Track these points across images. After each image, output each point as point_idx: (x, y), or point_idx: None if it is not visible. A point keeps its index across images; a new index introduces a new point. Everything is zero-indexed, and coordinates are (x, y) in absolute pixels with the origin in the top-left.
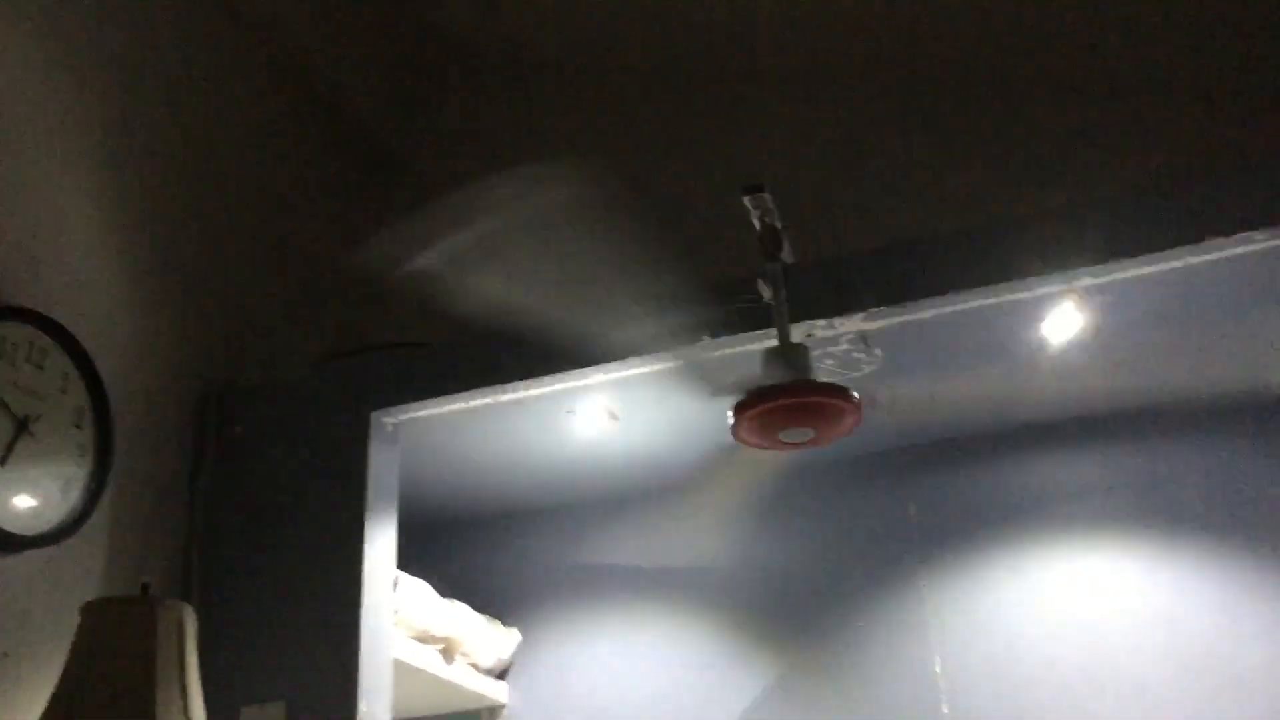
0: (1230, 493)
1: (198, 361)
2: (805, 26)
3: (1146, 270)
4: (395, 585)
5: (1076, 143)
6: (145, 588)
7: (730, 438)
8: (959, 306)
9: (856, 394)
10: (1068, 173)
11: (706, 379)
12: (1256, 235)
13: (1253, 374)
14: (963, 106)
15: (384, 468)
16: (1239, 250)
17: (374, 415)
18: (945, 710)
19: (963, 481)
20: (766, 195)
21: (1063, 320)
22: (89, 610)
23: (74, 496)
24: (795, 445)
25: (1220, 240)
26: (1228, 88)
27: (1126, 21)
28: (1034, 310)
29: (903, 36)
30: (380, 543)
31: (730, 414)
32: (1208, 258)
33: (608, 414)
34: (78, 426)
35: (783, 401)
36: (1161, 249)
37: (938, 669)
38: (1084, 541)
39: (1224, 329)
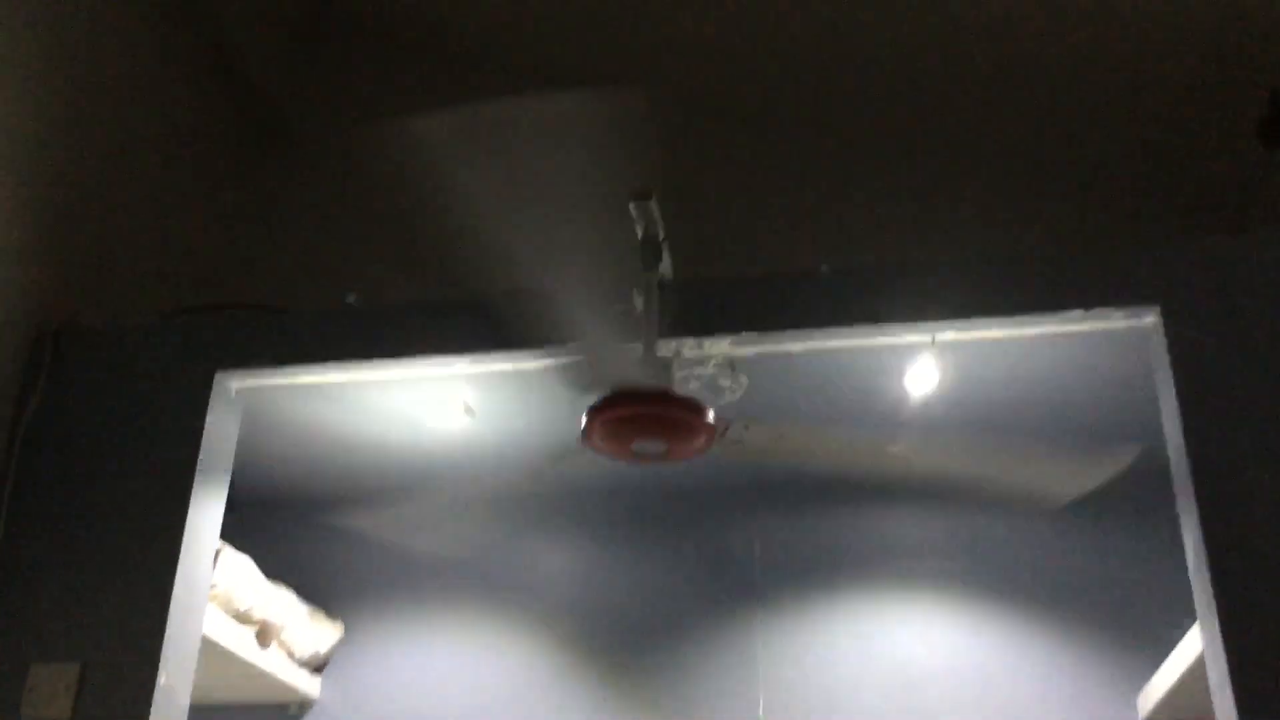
0: (1062, 567)
1: (39, 295)
2: (716, 49)
3: (1000, 334)
4: (217, 558)
5: (957, 204)
6: None
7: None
8: (825, 344)
9: (712, 412)
10: (944, 229)
11: (576, 378)
12: (1114, 313)
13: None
14: (855, 153)
15: (222, 432)
16: (1091, 326)
17: (218, 376)
18: None
19: (809, 525)
20: (653, 204)
21: (922, 374)
22: None
23: None
24: (646, 459)
25: (1078, 313)
26: (1100, 174)
27: (1016, 103)
28: (896, 361)
29: (812, 77)
30: (207, 510)
31: (583, 417)
32: (1062, 329)
33: (464, 407)
34: None
35: (638, 409)
36: (1019, 313)
37: (760, 711)
38: (919, 598)
39: (1071, 402)
